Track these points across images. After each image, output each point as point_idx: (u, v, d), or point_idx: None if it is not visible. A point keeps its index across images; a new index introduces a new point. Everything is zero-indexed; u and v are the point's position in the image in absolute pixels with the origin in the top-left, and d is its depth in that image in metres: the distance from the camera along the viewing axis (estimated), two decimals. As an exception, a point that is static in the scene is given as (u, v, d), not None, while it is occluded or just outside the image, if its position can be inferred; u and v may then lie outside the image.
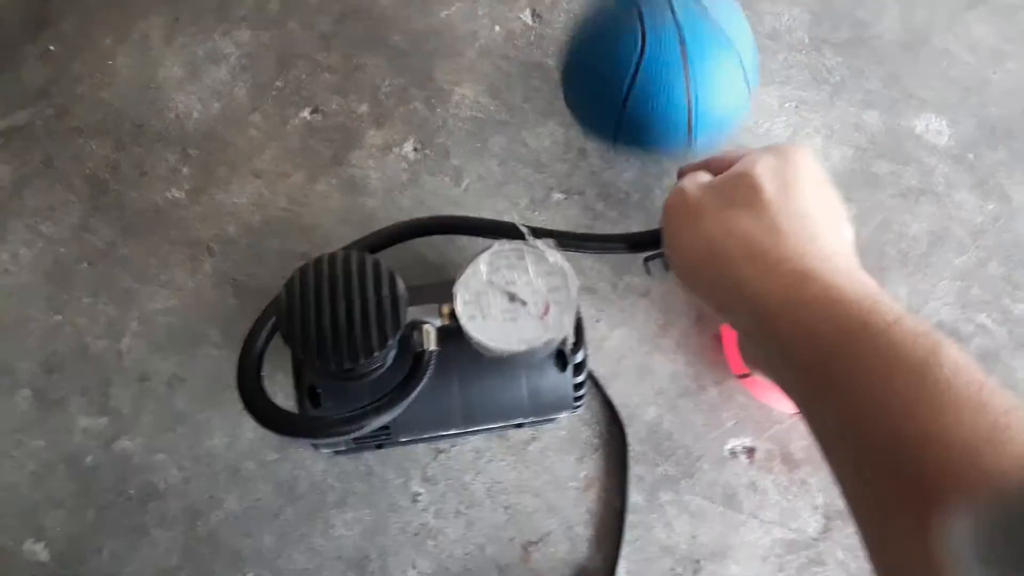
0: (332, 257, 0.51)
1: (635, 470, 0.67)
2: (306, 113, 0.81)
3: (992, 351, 0.69)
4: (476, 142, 0.79)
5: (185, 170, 0.79)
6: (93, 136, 0.81)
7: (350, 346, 0.47)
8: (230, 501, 0.67)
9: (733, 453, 0.67)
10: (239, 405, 0.67)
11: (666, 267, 0.55)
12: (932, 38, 0.83)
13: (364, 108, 0.81)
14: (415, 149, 0.79)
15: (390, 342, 0.48)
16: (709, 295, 0.46)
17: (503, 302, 0.50)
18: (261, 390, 0.50)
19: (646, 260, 0.56)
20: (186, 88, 0.83)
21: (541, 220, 0.76)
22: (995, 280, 0.71)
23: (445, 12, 0.85)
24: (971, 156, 0.76)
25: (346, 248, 0.57)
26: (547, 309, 0.50)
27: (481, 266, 0.51)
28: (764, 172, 0.45)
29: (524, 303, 0.50)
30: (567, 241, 0.56)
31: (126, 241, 0.76)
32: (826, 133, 0.78)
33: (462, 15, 0.85)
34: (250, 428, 0.69)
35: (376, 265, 0.51)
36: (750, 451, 0.67)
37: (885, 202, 0.75)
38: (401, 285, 0.51)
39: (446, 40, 0.84)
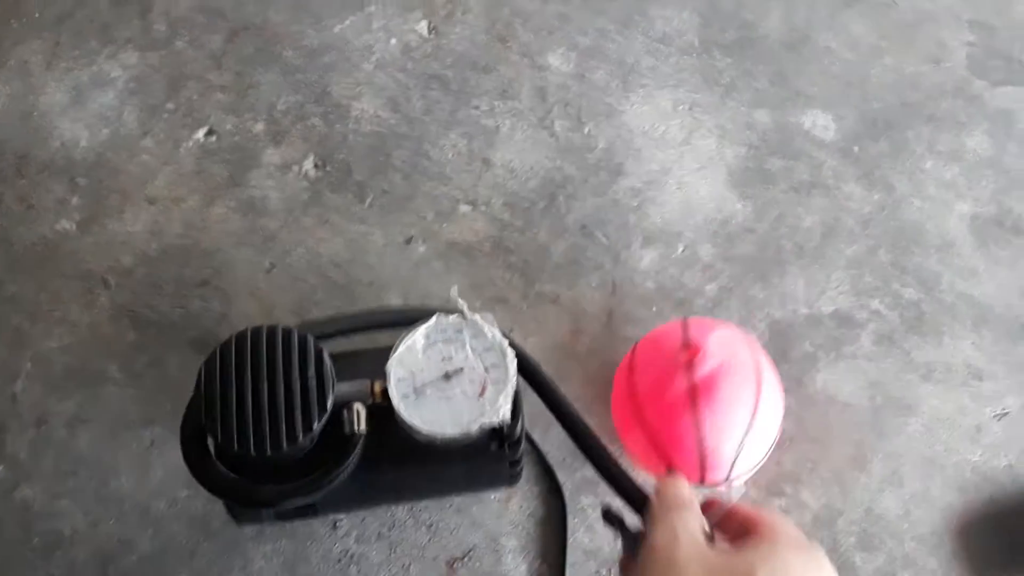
0: (256, 332, 0.48)
1: (556, 477, 0.68)
2: (200, 135, 0.80)
3: (887, 335, 0.73)
4: (378, 156, 0.79)
5: (74, 200, 0.76)
6: (-30, 170, 0.77)
7: (272, 433, 0.45)
8: (142, 543, 0.65)
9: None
10: (146, 443, 0.66)
11: (622, 538, 0.50)
12: (814, 36, 0.87)
13: (260, 127, 0.80)
14: (315, 166, 0.78)
15: (315, 428, 0.46)
16: None
17: (438, 381, 0.48)
18: (207, 458, 0.48)
19: (607, 515, 0.50)
20: (71, 115, 0.80)
21: (449, 233, 0.76)
22: (885, 267, 0.75)
23: (339, 26, 0.85)
24: (856, 149, 0.80)
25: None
26: (484, 389, 0.48)
27: (418, 339, 0.49)
28: None
29: (460, 382, 0.48)
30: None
31: (14, 278, 0.73)
32: (719, 133, 0.80)
33: (356, 28, 0.85)
34: (159, 466, 0.67)
35: (303, 341, 0.48)
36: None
37: (779, 197, 0.78)
38: (328, 363, 0.48)
39: (342, 54, 0.84)
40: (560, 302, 0.74)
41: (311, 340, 0.48)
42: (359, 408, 0.48)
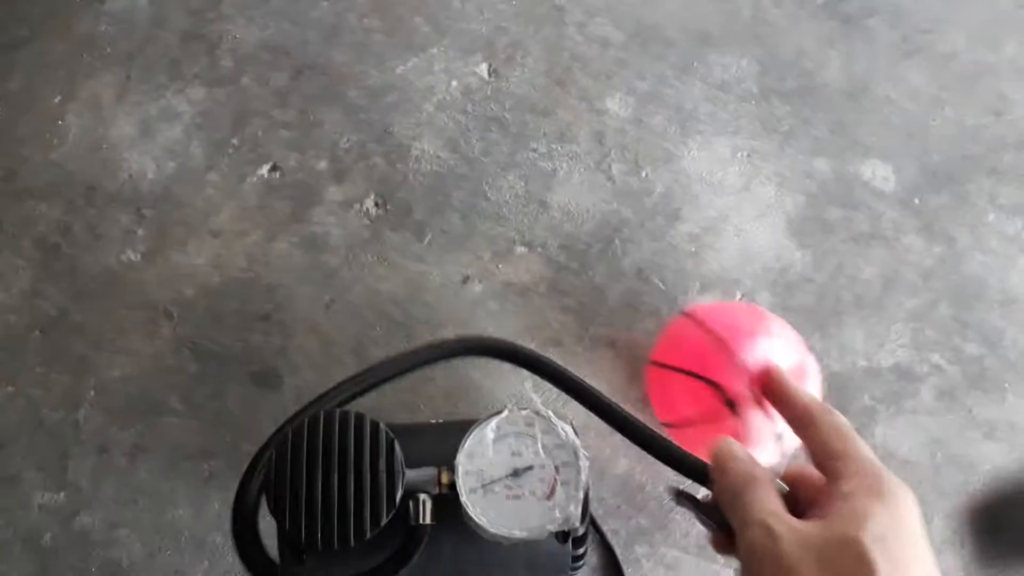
0: (329, 417, 0.47)
1: (609, 524, 0.67)
2: (264, 170, 0.82)
3: (948, 391, 0.72)
4: (437, 196, 0.80)
5: (140, 232, 0.78)
6: (43, 199, 0.80)
7: (340, 527, 0.44)
8: (197, 575, 0.66)
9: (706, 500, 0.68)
10: (204, 475, 0.67)
11: (701, 519, 0.47)
12: (873, 86, 0.87)
13: (323, 164, 0.82)
14: (376, 204, 0.80)
15: (382, 523, 0.44)
16: None
17: (507, 478, 0.47)
18: (256, 540, 0.48)
19: (677, 497, 0.48)
20: (139, 147, 0.83)
21: (505, 273, 0.76)
22: (946, 321, 0.74)
23: (401, 67, 0.87)
24: (916, 200, 0.80)
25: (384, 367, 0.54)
26: (553, 489, 0.47)
27: (488, 432, 0.48)
28: (875, 542, 0.39)
29: (529, 480, 0.47)
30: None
31: (80, 307, 0.75)
32: (778, 181, 0.81)
33: (418, 70, 0.86)
34: (217, 499, 0.68)
35: (375, 430, 0.47)
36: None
37: (838, 247, 0.78)
38: (399, 454, 0.47)
39: (404, 95, 0.85)
40: (616, 346, 0.74)
41: (383, 429, 0.47)
42: (425, 499, 0.46)
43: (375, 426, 0.47)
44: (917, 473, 0.68)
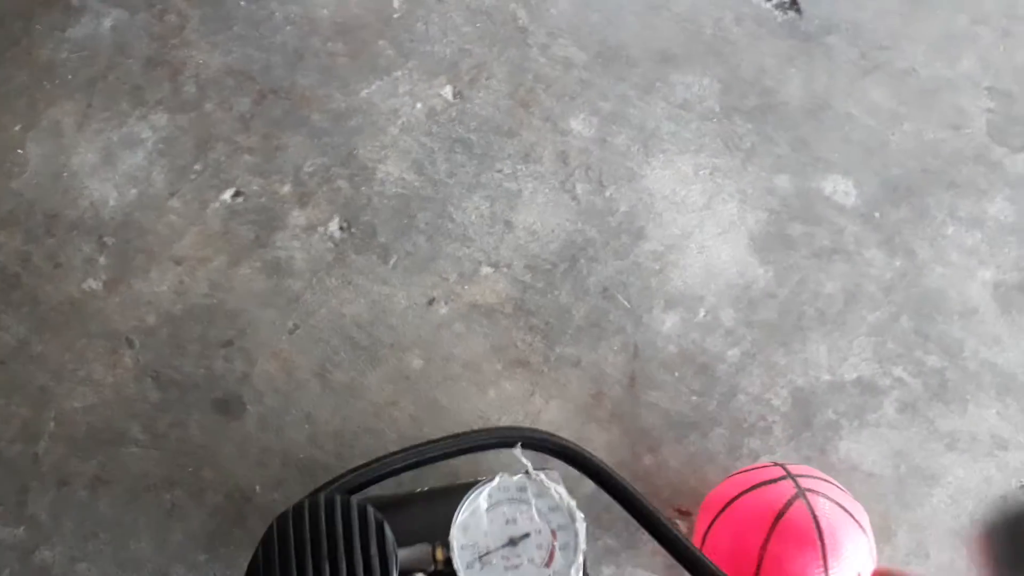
0: (314, 506, 0.45)
1: (576, 544, 0.67)
2: (227, 195, 0.82)
3: (910, 403, 0.73)
4: (402, 218, 0.80)
5: (102, 260, 0.78)
6: (2, 228, 0.79)
7: None
8: (158, 608, 0.65)
9: (672, 522, 0.68)
10: (166, 506, 0.66)
11: None
12: (834, 103, 0.88)
13: (287, 188, 0.82)
14: (341, 228, 0.80)
15: None
16: None
17: (504, 548, 0.45)
18: None
19: None
20: (101, 175, 0.82)
21: (471, 294, 0.77)
22: (907, 334, 0.75)
23: (366, 90, 0.87)
24: (877, 215, 0.81)
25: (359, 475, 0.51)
26: (552, 555, 0.46)
27: (480, 502, 0.46)
28: None
29: (527, 548, 0.45)
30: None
31: (40, 337, 0.75)
32: (740, 198, 0.82)
33: (383, 93, 0.87)
34: (179, 530, 0.67)
35: (363, 514, 0.45)
36: (687, 516, 0.68)
37: (800, 263, 0.79)
38: (390, 537, 0.45)
39: (368, 118, 0.86)
40: (582, 365, 0.74)
41: (371, 512, 0.45)
42: None
43: (363, 509, 0.45)
44: (881, 486, 0.69)
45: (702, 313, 0.77)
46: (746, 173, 0.84)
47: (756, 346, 0.75)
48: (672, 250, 0.80)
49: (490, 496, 0.46)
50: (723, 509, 0.62)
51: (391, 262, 0.78)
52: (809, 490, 0.59)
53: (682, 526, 0.68)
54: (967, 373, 0.74)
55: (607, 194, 0.83)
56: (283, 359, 0.73)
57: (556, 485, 0.47)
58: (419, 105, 0.86)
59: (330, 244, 0.79)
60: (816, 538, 0.56)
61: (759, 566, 0.57)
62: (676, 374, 0.74)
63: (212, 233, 0.79)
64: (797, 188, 0.83)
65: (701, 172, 0.84)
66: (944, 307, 0.77)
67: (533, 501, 0.46)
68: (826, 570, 0.55)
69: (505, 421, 0.72)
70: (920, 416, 0.72)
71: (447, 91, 0.87)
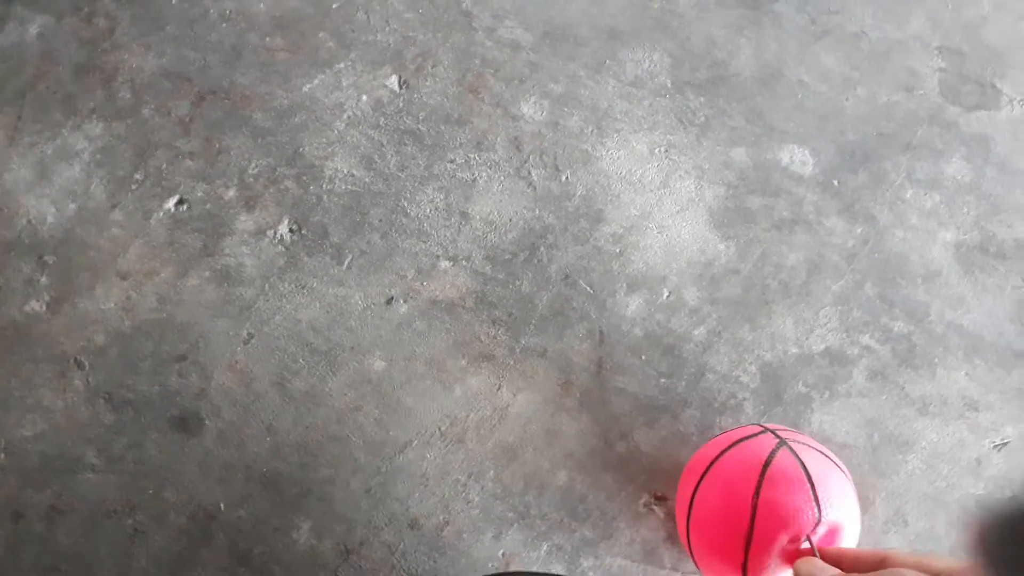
0: None
1: (554, 539, 0.67)
2: (170, 204, 0.79)
3: (879, 371, 0.73)
4: (354, 216, 0.79)
5: (43, 280, 0.75)
6: (-66, 254, 0.76)
7: None
8: (126, 637, 0.63)
9: (648, 507, 0.68)
10: (128, 531, 0.64)
11: None
12: (786, 71, 0.88)
13: (232, 193, 0.80)
14: (291, 230, 0.78)
15: None
16: None
17: None
18: None
19: None
20: (36, 191, 0.79)
21: (431, 290, 0.75)
22: (872, 301, 0.76)
23: (308, 85, 0.85)
24: (835, 182, 0.81)
25: None
26: None
27: None
28: None
29: None
30: None
31: (-18, 365, 0.72)
32: (697, 174, 0.81)
33: (326, 87, 0.85)
34: (143, 555, 0.65)
35: None
36: (663, 501, 0.68)
37: (761, 236, 0.78)
38: None
39: (312, 114, 0.84)
40: (548, 355, 0.74)
41: None
42: None
43: None
44: (855, 456, 0.69)
45: (665, 294, 0.76)
46: (701, 148, 0.83)
47: (722, 323, 0.75)
48: (632, 231, 0.79)
49: None
50: (708, 468, 0.61)
51: (345, 262, 0.76)
52: (791, 440, 0.59)
53: (659, 512, 0.68)
54: (934, 336, 0.74)
55: (563, 178, 0.81)
56: (239, 370, 0.72)
57: None
58: (364, 97, 0.84)
59: (281, 248, 0.77)
60: (806, 480, 0.56)
61: (753, 516, 0.56)
62: (643, 357, 0.73)
63: (157, 244, 0.77)
64: (754, 160, 0.82)
65: (656, 150, 0.83)
66: (907, 271, 0.77)
67: None
68: (819, 510, 0.55)
69: (473, 418, 0.71)
70: (890, 383, 0.73)
71: (393, 81, 0.85)
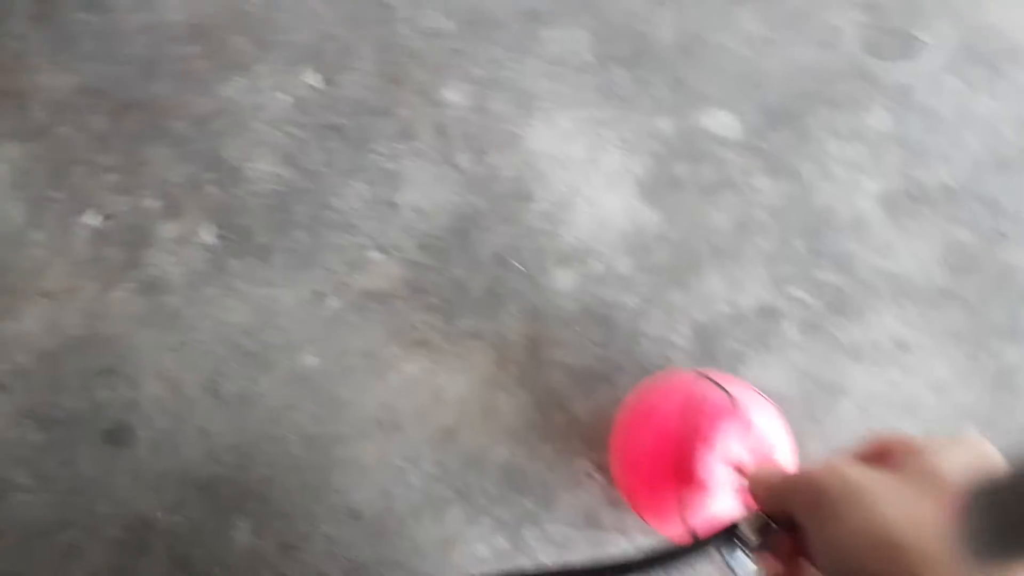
0: None
1: (496, 514, 0.67)
2: (92, 219, 0.80)
3: (811, 322, 0.74)
4: (279, 215, 0.79)
5: (-35, 305, 0.75)
6: None
7: None
8: (68, 654, 0.63)
9: (588, 474, 0.69)
10: (62, 549, 0.64)
11: (751, 558, 0.46)
12: (707, 37, 0.90)
13: (154, 203, 0.80)
14: (215, 235, 0.78)
15: None
16: None
17: None
18: None
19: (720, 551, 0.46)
20: (-47, 217, 0.79)
21: (362, 283, 0.76)
22: (801, 255, 0.77)
23: (227, 90, 0.86)
24: (760, 143, 0.83)
25: None
26: None
27: None
28: (953, 464, 0.38)
29: None
30: None
31: (-93, 395, 0.72)
32: (623, 146, 0.82)
33: (244, 90, 0.86)
34: (79, 571, 0.65)
35: None
36: (602, 468, 0.69)
37: (689, 201, 0.80)
38: None
39: (232, 117, 0.85)
40: (483, 336, 0.74)
41: None
42: None
43: None
44: (792, 407, 0.70)
45: (597, 266, 0.77)
46: (627, 121, 0.84)
47: (654, 290, 0.76)
48: (561, 208, 0.80)
49: None
50: (636, 410, 0.64)
51: (273, 262, 0.77)
52: (711, 375, 0.61)
53: (599, 478, 0.69)
54: (863, 284, 0.76)
55: (490, 161, 0.82)
56: (169, 379, 0.72)
57: None
58: (285, 97, 0.85)
59: (206, 253, 0.77)
60: (730, 404, 0.59)
61: (682, 444, 0.57)
62: (578, 329, 0.74)
63: (80, 261, 0.77)
64: (679, 128, 0.84)
65: (582, 126, 0.84)
66: (834, 223, 0.79)
67: None
68: (748, 431, 0.58)
69: (409, 405, 0.72)
70: (822, 333, 0.74)
71: (313, 79, 0.86)
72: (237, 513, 0.68)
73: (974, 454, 0.38)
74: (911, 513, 0.35)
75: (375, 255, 0.78)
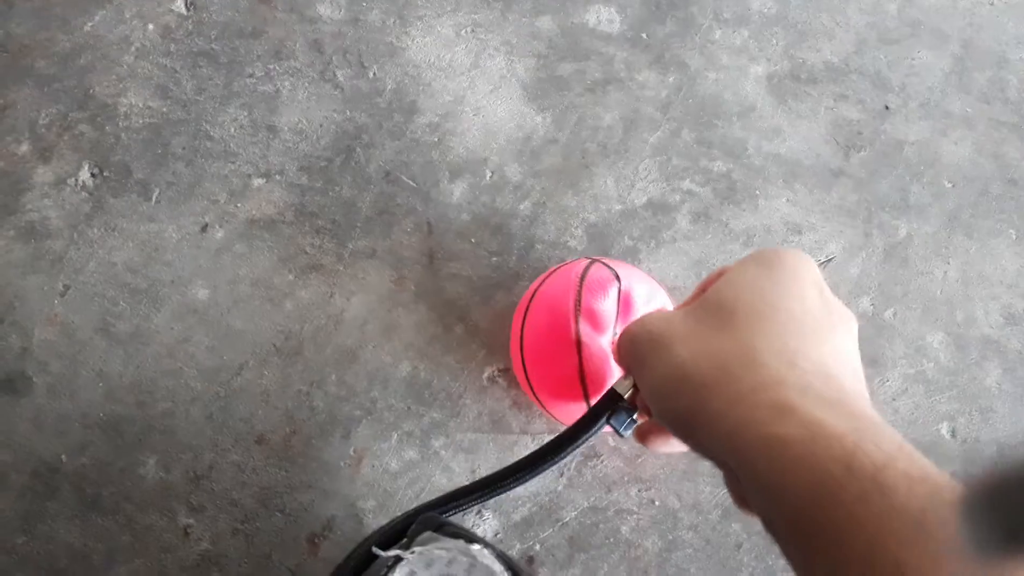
0: None
1: (403, 427, 0.70)
2: (-40, 170, 0.78)
3: (702, 212, 0.77)
4: (156, 149, 0.78)
5: None
6: None
7: None
8: (-15, 602, 0.65)
9: (491, 379, 0.71)
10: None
11: (630, 417, 0.50)
12: (586, -70, 0.88)
13: (24, 147, 0.79)
14: (92, 175, 0.78)
15: None
16: (683, 432, 0.40)
17: None
18: None
19: (609, 422, 0.50)
20: None
21: (246, 210, 0.76)
22: (690, 146, 0.79)
23: (89, 24, 0.83)
24: (644, 36, 0.83)
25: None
26: None
27: None
28: (739, 285, 0.40)
29: None
30: (501, 484, 0.52)
31: None
32: (506, 50, 0.82)
33: (108, 23, 0.83)
34: (-14, 519, 0.66)
35: None
36: (505, 372, 0.71)
37: (575, 101, 0.80)
38: None
39: (98, 52, 0.82)
40: (378, 255, 0.75)
41: None
42: None
43: None
44: (685, 295, 0.72)
45: (488, 175, 0.78)
46: (507, 23, 0.84)
47: (545, 194, 0.77)
48: (447, 118, 0.80)
49: None
50: (531, 299, 0.66)
51: (153, 197, 0.77)
52: (602, 258, 0.66)
53: (502, 383, 0.71)
54: (753, 170, 0.78)
55: (371, 75, 0.82)
56: (60, 323, 0.72)
57: (457, 552, 0.48)
58: (151, 26, 0.83)
59: (84, 194, 0.77)
60: (610, 276, 0.64)
61: (576, 320, 0.62)
62: (473, 240, 0.76)
63: (-47, 213, 0.76)
64: (561, 27, 0.84)
65: (463, 31, 0.84)
66: (722, 111, 0.80)
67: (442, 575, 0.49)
68: (629, 301, 0.63)
69: (308, 329, 0.73)
70: (714, 222, 0.76)
71: (178, 4, 0.84)
72: (142, 449, 0.69)
73: (764, 267, 0.42)
74: (699, 348, 0.39)
75: (258, 181, 0.78)
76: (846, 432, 0.32)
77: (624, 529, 0.69)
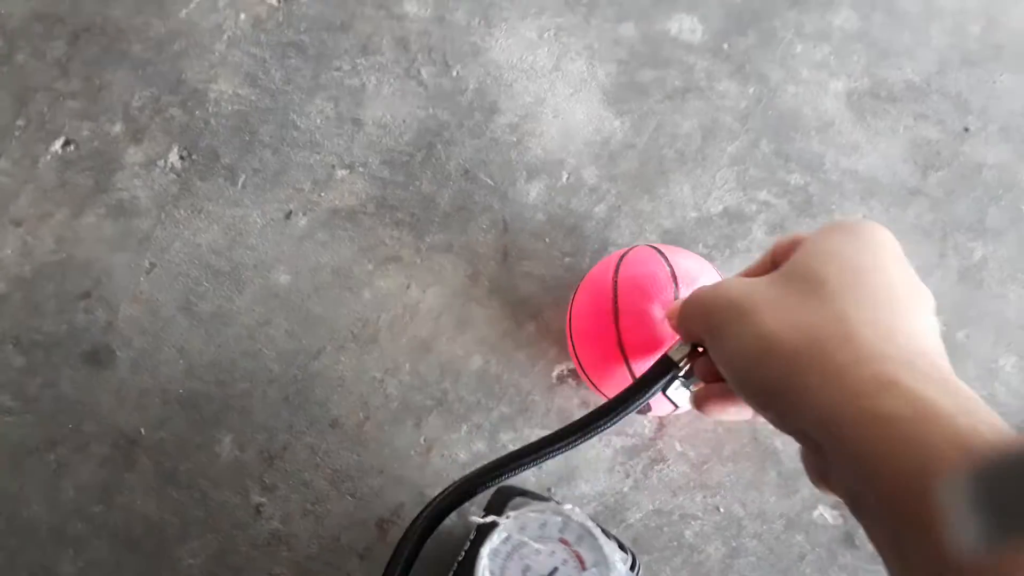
0: None
1: (473, 419, 0.71)
2: (57, 147, 0.81)
3: (778, 223, 0.77)
4: (244, 135, 0.81)
5: (-66, 236, 0.77)
6: None
7: None
8: (63, 566, 0.67)
9: (560, 378, 0.72)
10: (51, 466, 0.68)
11: (687, 387, 0.49)
12: (671, -60, 0.89)
13: (118, 128, 0.81)
14: (181, 158, 0.80)
15: None
16: (765, 403, 0.38)
17: None
18: None
19: (659, 385, 0.48)
20: (-85, 149, 0.81)
21: (329, 200, 0.78)
22: (768, 157, 0.79)
23: (184, 11, 0.86)
24: (726, 46, 0.84)
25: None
26: (581, 561, 0.50)
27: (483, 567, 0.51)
28: (827, 254, 0.39)
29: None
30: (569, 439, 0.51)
31: None
32: (588, 55, 0.83)
33: (202, 10, 0.86)
34: (71, 486, 0.69)
35: None
36: (574, 372, 0.72)
37: (655, 108, 0.81)
38: None
39: (191, 39, 0.85)
40: (454, 249, 0.77)
41: None
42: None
43: None
44: (758, 307, 0.73)
45: (565, 176, 0.79)
46: (590, 28, 0.85)
47: (621, 198, 0.78)
48: (527, 119, 0.82)
49: (491, 557, 0.51)
50: (578, 286, 0.69)
51: (239, 182, 0.79)
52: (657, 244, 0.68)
53: (571, 382, 0.72)
54: (830, 184, 0.78)
55: (454, 74, 0.84)
56: (145, 300, 0.74)
57: (549, 513, 0.50)
58: (243, 16, 0.86)
59: (173, 175, 0.79)
60: (660, 258, 0.64)
61: (615, 294, 0.63)
62: (547, 240, 0.77)
63: (48, 188, 0.79)
64: (643, 34, 0.85)
65: (545, 34, 0.85)
66: (801, 125, 0.81)
67: (537, 536, 0.51)
68: (675, 279, 0.63)
69: (384, 318, 0.74)
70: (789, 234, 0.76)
71: (270, -4, 0.86)
72: (220, 428, 0.71)
73: (852, 237, 0.40)
74: (787, 317, 0.37)
75: (341, 172, 0.80)
76: (956, 412, 0.31)
77: (688, 534, 0.70)
